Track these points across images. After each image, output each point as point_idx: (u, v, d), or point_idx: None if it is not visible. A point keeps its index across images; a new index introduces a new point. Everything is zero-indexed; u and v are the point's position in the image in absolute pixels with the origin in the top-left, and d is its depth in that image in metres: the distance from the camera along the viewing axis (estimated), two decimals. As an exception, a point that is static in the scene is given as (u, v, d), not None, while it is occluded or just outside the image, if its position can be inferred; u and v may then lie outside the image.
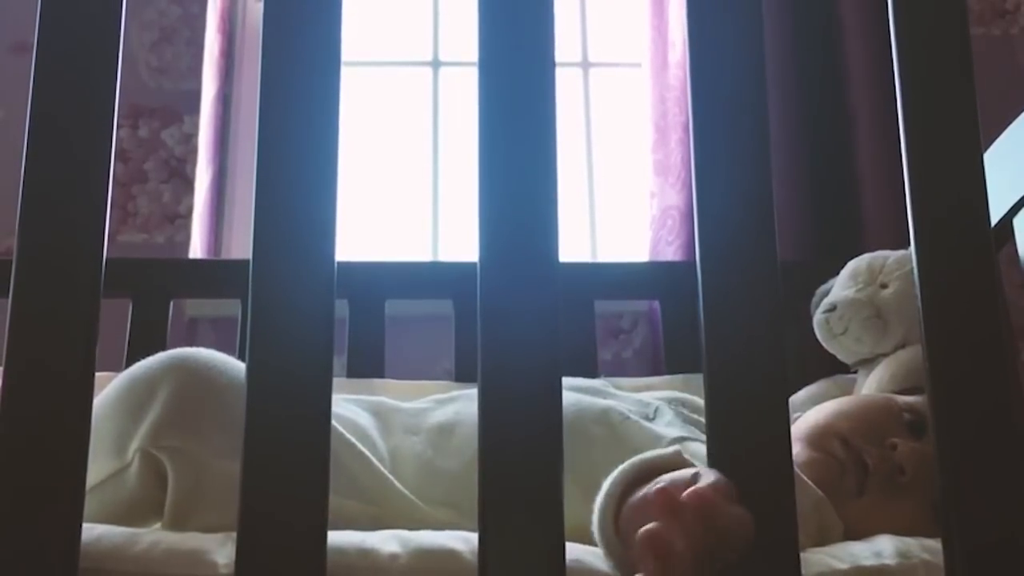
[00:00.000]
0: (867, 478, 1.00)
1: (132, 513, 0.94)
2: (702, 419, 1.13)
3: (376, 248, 2.15)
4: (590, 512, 0.88)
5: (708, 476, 0.70)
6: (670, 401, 1.20)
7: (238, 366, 0.99)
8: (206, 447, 0.93)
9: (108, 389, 0.96)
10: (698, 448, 1.05)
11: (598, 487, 0.91)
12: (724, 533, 0.68)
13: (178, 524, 0.91)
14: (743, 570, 0.74)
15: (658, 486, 0.68)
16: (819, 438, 1.03)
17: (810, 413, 1.10)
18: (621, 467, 0.80)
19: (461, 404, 1.15)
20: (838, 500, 0.97)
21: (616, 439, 1.08)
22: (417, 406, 1.17)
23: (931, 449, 0.91)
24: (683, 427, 1.12)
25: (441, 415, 1.13)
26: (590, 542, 0.86)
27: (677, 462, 0.78)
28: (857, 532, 0.94)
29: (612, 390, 1.24)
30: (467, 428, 1.09)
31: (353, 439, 1.03)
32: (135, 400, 0.95)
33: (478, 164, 0.80)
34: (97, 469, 0.93)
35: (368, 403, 1.17)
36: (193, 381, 0.95)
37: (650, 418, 1.13)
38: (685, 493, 0.66)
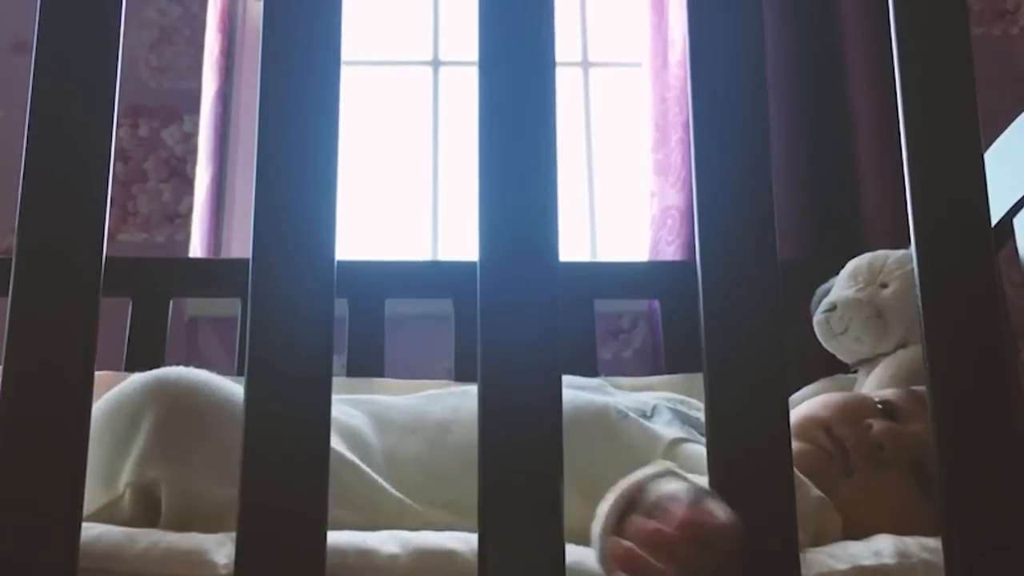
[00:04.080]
0: (850, 459, 1.05)
1: None
2: (701, 417, 1.13)
3: (376, 247, 2.15)
4: (589, 512, 0.89)
5: (683, 495, 0.73)
6: (667, 400, 1.20)
7: (222, 385, 0.99)
8: (194, 474, 0.93)
9: (92, 414, 0.95)
10: (696, 449, 1.06)
11: (597, 486, 0.91)
12: (709, 542, 0.70)
13: None
14: (743, 571, 0.74)
15: (645, 526, 0.71)
16: (803, 429, 1.07)
17: (793, 412, 1.12)
18: (614, 494, 0.78)
19: (458, 399, 1.15)
20: (829, 484, 1.01)
21: (615, 438, 1.08)
22: (413, 403, 1.17)
23: (906, 428, 1.03)
24: (681, 427, 1.12)
25: (439, 412, 1.13)
26: (589, 542, 0.86)
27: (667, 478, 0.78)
28: (853, 513, 0.98)
29: (611, 389, 1.23)
30: (465, 425, 1.09)
31: (342, 450, 1.02)
32: (119, 432, 0.95)
33: (478, 164, 0.80)
34: (89, 500, 0.93)
35: (362, 402, 1.16)
36: (176, 407, 0.95)
37: (648, 416, 1.13)
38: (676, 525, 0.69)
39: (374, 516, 0.99)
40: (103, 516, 0.94)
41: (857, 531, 0.94)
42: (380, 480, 1.03)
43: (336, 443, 1.02)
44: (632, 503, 0.76)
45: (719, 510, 0.71)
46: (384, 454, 1.08)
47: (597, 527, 0.78)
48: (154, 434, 0.94)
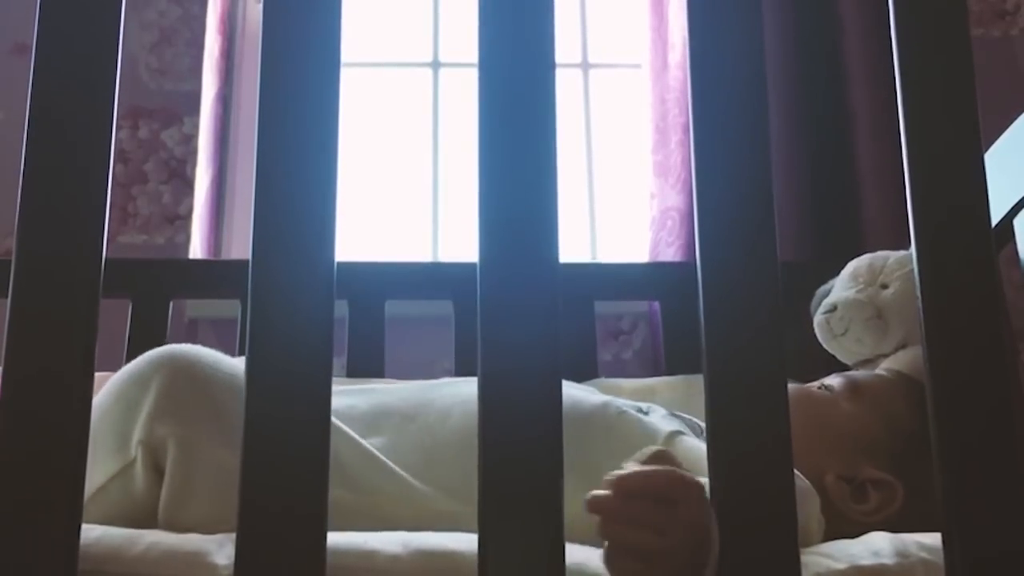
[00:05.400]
0: None
1: (139, 515, 0.94)
2: (692, 418, 1.14)
3: (376, 248, 2.15)
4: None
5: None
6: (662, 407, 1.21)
7: (226, 360, 1.02)
8: (198, 434, 0.95)
9: (103, 390, 0.98)
10: (694, 442, 1.06)
11: (597, 478, 0.91)
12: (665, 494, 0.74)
13: (172, 512, 0.93)
14: (743, 571, 0.74)
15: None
16: None
17: None
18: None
19: (458, 388, 1.15)
20: None
21: (613, 432, 1.09)
22: (414, 392, 1.17)
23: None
24: (679, 423, 1.13)
25: (439, 400, 1.13)
26: (589, 532, 0.86)
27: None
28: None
29: (600, 393, 1.24)
30: (465, 412, 1.09)
31: (344, 426, 1.04)
32: (129, 397, 0.98)
33: (478, 165, 0.80)
34: (101, 470, 0.95)
35: (364, 392, 1.17)
36: (182, 374, 0.98)
37: (644, 411, 1.14)
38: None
39: (372, 500, 1.00)
40: (116, 487, 0.96)
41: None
42: (382, 457, 1.03)
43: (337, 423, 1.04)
44: None
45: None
46: (385, 440, 1.08)
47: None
48: (163, 394, 0.96)
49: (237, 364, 1.02)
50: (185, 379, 0.98)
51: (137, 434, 0.96)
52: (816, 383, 1.19)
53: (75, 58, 0.80)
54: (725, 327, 0.78)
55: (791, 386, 1.16)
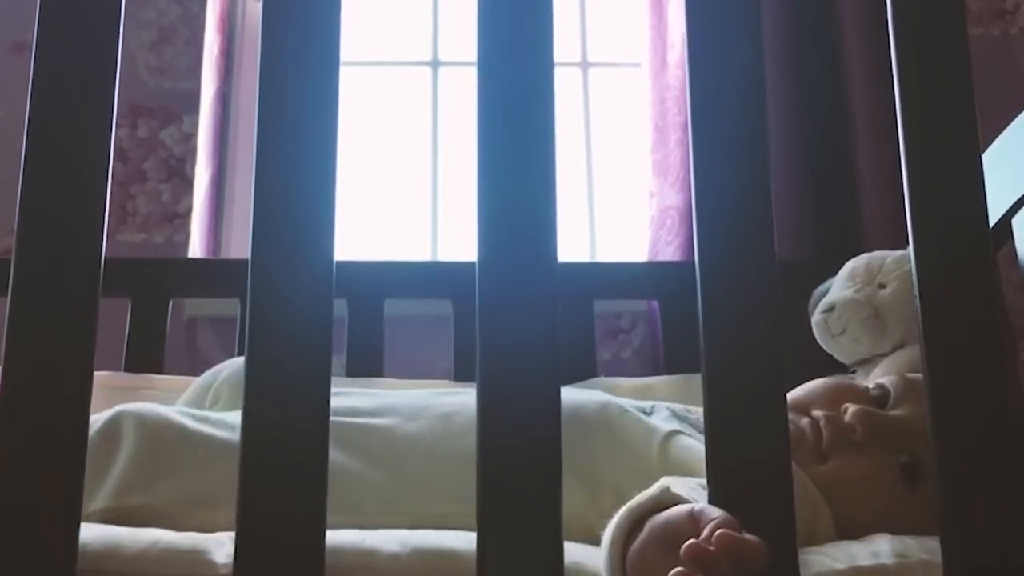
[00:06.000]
0: (824, 443, 1.01)
1: None
2: (698, 413, 1.14)
3: (375, 248, 2.15)
4: (588, 501, 0.92)
5: (710, 512, 0.70)
6: (667, 404, 1.21)
7: (192, 424, 1.04)
8: (170, 503, 0.98)
9: None
10: (691, 441, 1.06)
11: (596, 477, 0.92)
12: (744, 565, 0.67)
13: None
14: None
15: (687, 544, 0.66)
16: None
17: None
18: (616, 521, 0.77)
19: (461, 397, 1.15)
20: (801, 465, 0.95)
21: (613, 431, 1.09)
22: (417, 399, 1.17)
23: (887, 413, 1.00)
24: (679, 423, 1.13)
25: (440, 407, 1.13)
26: (588, 529, 0.86)
27: (666, 500, 0.77)
28: (830, 497, 0.95)
29: (601, 393, 1.24)
30: (467, 417, 1.09)
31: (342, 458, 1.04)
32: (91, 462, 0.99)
33: (477, 164, 0.80)
34: None
35: (365, 393, 1.17)
36: (148, 439, 1.01)
37: (647, 412, 1.14)
38: (714, 538, 0.65)
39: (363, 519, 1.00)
40: None
41: (836, 520, 0.94)
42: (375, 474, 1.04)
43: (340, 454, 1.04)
44: (634, 526, 0.76)
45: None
46: (391, 438, 1.08)
47: (604, 553, 0.77)
48: (131, 464, 0.99)
49: (205, 427, 1.04)
50: (151, 448, 1.00)
51: (101, 503, 0.98)
52: (870, 383, 1.09)
53: (75, 57, 0.80)
54: (723, 327, 0.78)
55: (886, 469, 1.02)
